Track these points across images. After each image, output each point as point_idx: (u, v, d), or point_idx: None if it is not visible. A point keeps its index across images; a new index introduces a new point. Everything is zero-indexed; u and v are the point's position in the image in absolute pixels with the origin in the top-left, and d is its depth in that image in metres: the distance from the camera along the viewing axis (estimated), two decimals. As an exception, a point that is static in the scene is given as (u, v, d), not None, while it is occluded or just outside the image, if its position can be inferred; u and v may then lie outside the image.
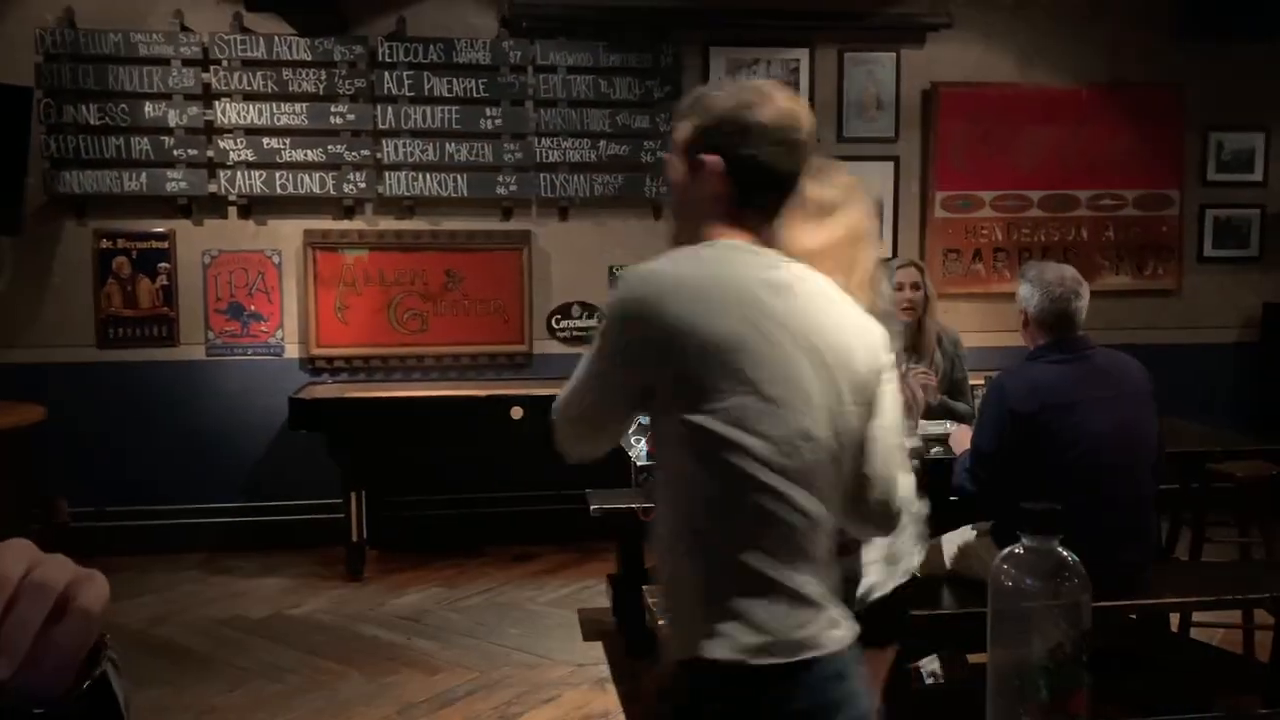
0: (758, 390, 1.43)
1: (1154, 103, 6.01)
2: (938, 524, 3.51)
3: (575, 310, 5.72)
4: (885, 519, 1.63)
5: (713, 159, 1.54)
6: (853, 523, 1.64)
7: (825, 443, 1.47)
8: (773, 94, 1.57)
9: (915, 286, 4.17)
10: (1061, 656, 0.85)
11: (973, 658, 3.51)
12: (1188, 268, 6.20)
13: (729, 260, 1.52)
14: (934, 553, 3.22)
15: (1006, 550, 0.94)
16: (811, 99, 5.80)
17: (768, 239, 1.57)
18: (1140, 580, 3.13)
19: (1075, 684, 0.87)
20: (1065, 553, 0.89)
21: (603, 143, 5.61)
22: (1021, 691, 0.89)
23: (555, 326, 5.69)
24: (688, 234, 1.60)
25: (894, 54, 5.86)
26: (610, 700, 3.71)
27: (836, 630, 1.47)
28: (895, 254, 5.82)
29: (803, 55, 5.80)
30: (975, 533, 3.17)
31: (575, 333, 5.69)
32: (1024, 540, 0.91)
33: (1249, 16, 5.65)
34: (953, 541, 3.20)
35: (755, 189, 1.56)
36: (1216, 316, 6.23)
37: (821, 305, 1.53)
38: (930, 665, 3.45)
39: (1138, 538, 3.10)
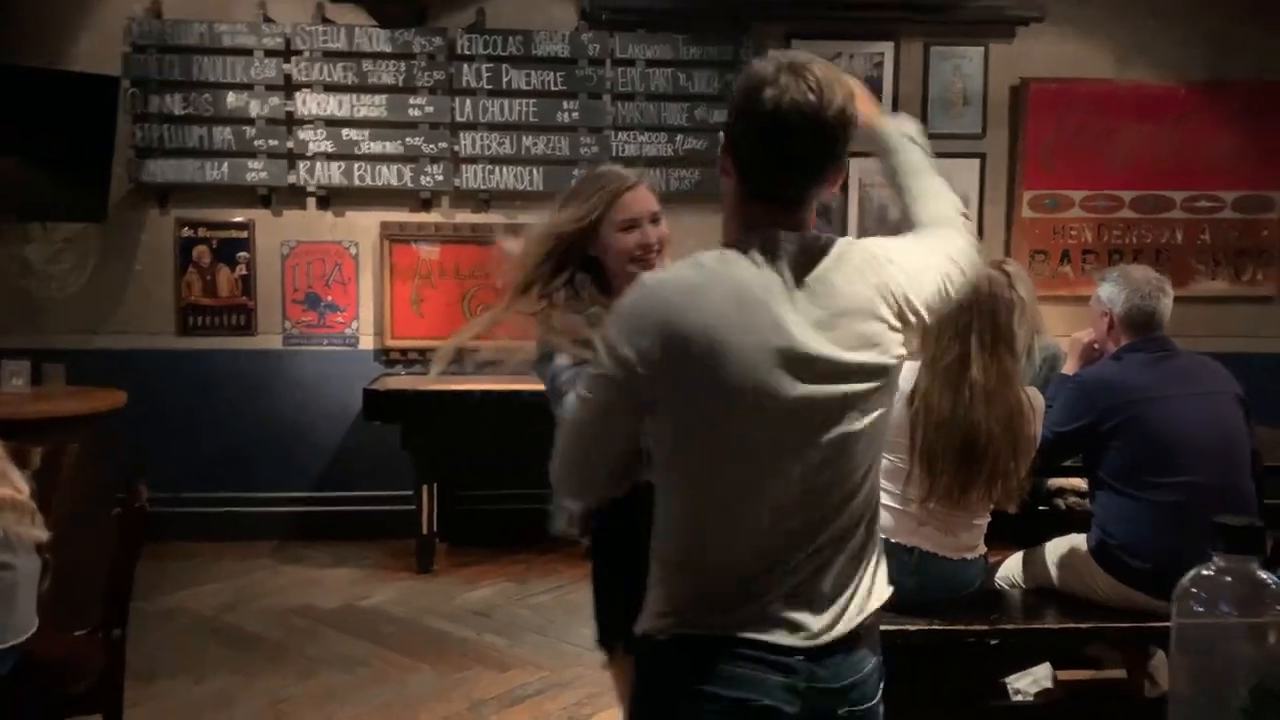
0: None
1: (1257, 101, 5.75)
2: (1032, 534, 3.39)
3: (649, 307, 5.65)
4: None
5: (725, 151, 1.45)
6: None
7: None
8: (788, 70, 1.40)
9: None
10: (1263, 696, 0.74)
11: (1062, 675, 3.36)
12: (1289, 274, 5.93)
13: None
14: (1036, 565, 3.09)
15: (1195, 571, 0.84)
16: (896, 94, 5.66)
17: (791, 226, 1.45)
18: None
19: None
20: (1266, 575, 0.78)
21: (680, 137, 5.53)
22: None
23: (629, 323, 5.62)
24: (727, 233, 1.51)
25: (982, 48, 5.69)
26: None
27: None
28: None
29: (887, 49, 5.65)
30: (1075, 545, 3.02)
31: (649, 329, 5.61)
32: (1215, 559, 0.80)
33: (1362, 10, 5.38)
34: (1054, 553, 3.06)
35: (761, 181, 1.45)
36: (1319, 325, 5.95)
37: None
38: (1019, 682, 3.30)
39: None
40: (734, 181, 1.46)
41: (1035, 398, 2.86)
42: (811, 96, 1.38)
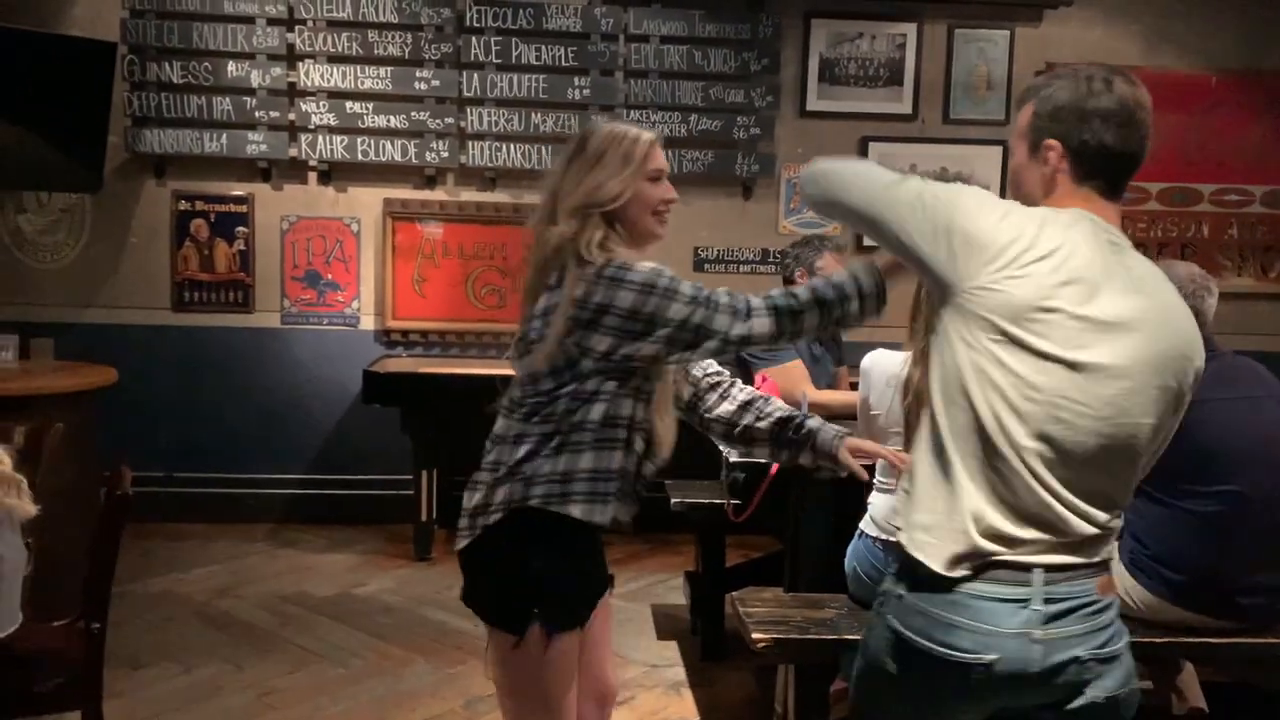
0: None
1: (1289, 92, 5.58)
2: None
3: (658, 291, 5.49)
4: None
5: (1053, 143, 1.71)
6: None
7: None
8: (1112, 81, 1.72)
9: None
10: None
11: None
12: (1317, 271, 5.77)
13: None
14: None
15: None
16: (917, 78, 5.50)
17: (1107, 215, 1.71)
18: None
19: None
20: None
21: (694, 117, 5.36)
22: None
23: (637, 308, 5.46)
24: None
25: (1008, 31, 5.51)
26: (687, 707, 3.50)
27: None
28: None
29: (910, 30, 5.47)
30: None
31: (657, 315, 5.46)
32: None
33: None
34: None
35: (1093, 169, 1.72)
36: (1347, 325, 5.79)
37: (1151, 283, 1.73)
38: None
39: (1284, 561, 2.78)
40: (1064, 169, 1.72)
41: None
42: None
